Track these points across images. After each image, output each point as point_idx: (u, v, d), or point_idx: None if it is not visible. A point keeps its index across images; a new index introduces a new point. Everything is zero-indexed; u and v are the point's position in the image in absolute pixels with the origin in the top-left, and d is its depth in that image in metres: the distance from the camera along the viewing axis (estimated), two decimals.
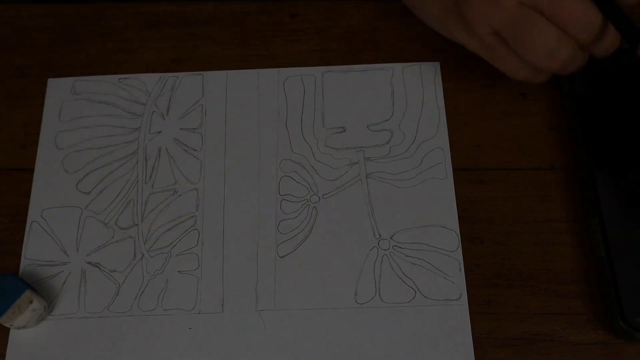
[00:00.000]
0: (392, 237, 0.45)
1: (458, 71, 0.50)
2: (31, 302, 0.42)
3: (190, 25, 0.52)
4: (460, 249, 0.44)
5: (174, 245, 0.45)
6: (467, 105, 0.49)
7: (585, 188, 0.45)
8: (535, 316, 0.43)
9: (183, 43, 0.52)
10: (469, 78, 0.50)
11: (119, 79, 0.50)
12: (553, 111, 0.48)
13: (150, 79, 0.50)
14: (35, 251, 0.45)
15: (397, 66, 0.50)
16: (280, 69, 0.50)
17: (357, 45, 0.51)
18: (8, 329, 0.43)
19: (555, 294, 0.43)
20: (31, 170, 0.48)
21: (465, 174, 0.47)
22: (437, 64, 0.50)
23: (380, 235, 0.45)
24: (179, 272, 0.45)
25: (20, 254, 0.45)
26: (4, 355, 0.43)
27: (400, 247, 0.45)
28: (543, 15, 0.40)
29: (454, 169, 0.47)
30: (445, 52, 0.50)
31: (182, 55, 0.51)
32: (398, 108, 0.49)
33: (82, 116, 0.49)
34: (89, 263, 0.45)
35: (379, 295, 0.44)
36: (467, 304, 0.43)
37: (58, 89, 0.50)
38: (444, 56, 0.50)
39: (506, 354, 0.42)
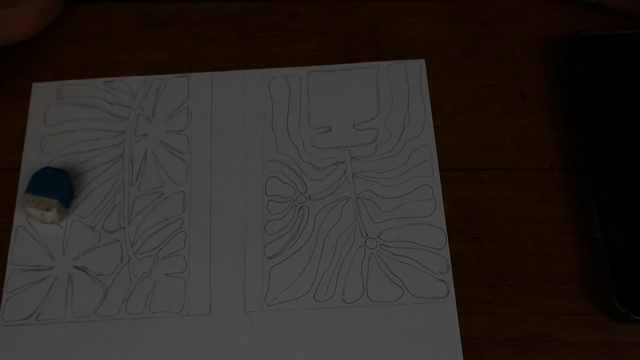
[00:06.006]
0: (379, 235, 0.45)
1: (458, 71, 0.49)
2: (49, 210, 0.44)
3: (190, 25, 0.52)
4: (447, 247, 0.44)
5: (161, 248, 0.45)
6: (467, 105, 0.49)
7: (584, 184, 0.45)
8: (535, 316, 0.43)
9: (183, 43, 0.52)
10: (469, 78, 0.49)
11: (104, 82, 0.50)
12: (553, 111, 0.48)
13: (135, 82, 0.50)
14: (21, 256, 0.45)
15: (382, 64, 0.50)
16: (266, 70, 0.50)
17: (357, 45, 0.51)
18: None
19: (555, 294, 0.43)
20: None
21: (465, 174, 0.46)
22: (422, 62, 0.50)
23: (367, 234, 0.45)
24: (166, 274, 0.44)
25: None
26: None
27: (388, 246, 0.44)
28: None
29: (454, 169, 0.47)
30: (446, 52, 0.50)
31: (182, 55, 0.51)
32: (384, 106, 0.48)
33: (68, 120, 0.49)
34: (75, 267, 0.45)
35: (367, 294, 0.43)
36: (454, 301, 0.43)
37: (43, 94, 0.50)
38: (444, 56, 0.50)
39: (506, 354, 0.42)
